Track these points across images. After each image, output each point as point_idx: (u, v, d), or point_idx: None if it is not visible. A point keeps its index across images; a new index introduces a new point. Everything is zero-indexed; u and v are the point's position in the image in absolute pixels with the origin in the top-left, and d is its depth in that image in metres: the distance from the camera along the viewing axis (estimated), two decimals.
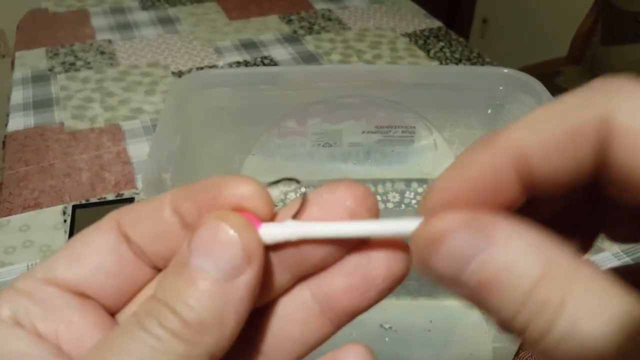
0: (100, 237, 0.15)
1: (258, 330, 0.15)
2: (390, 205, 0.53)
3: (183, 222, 0.15)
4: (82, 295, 0.15)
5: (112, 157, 0.60)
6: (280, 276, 0.15)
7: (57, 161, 0.59)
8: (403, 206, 0.52)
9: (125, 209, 0.16)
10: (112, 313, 0.16)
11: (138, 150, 0.61)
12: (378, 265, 0.15)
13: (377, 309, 0.43)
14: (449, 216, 0.13)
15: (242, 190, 0.15)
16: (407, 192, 0.54)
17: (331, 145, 0.50)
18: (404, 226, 0.14)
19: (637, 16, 1.12)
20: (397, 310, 0.41)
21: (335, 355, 0.15)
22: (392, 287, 0.15)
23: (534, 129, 0.13)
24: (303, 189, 0.15)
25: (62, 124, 0.65)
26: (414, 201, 0.53)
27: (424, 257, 0.13)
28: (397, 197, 0.53)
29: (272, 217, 0.15)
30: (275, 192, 0.15)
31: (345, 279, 0.15)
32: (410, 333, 0.41)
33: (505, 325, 0.12)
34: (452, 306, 0.42)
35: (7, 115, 0.67)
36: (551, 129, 0.13)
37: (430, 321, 0.41)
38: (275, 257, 0.15)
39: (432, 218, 0.13)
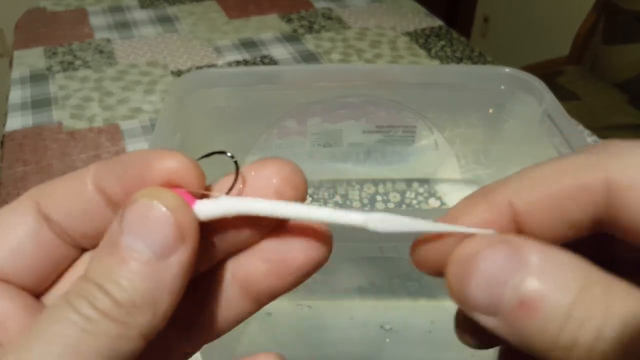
0: (15, 219, 0.15)
1: (180, 309, 0.15)
2: (391, 205, 0.52)
3: (108, 200, 0.15)
4: (2, 279, 0.14)
5: (111, 157, 0.59)
6: (210, 252, 0.15)
7: (55, 161, 0.59)
8: (404, 206, 0.52)
9: (44, 187, 0.15)
10: (37, 296, 0.15)
11: (137, 150, 0.60)
12: (297, 250, 0.15)
13: (377, 310, 0.42)
14: (481, 238, 0.13)
15: (171, 165, 0.14)
16: (408, 192, 0.54)
17: (331, 145, 0.50)
18: (331, 214, 0.14)
19: (638, 15, 1.11)
20: (397, 311, 0.41)
21: None
22: (310, 272, 0.15)
23: (532, 185, 0.14)
24: (236, 164, 0.15)
25: (60, 123, 0.65)
26: (414, 201, 0.53)
27: (459, 282, 0.13)
28: (398, 197, 0.53)
29: (204, 193, 0.15)
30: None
31: (263, 263, 0.15)
32: (411, 334, 0.41)
33: (548, 351, 0.12)
34: (453, 307, 0.42)
35: (6, 114, 0.67)
36: (552, 186, 0.13)
37: (432, 322, 0.40)
38: (205, 234, 0.15)
39: (464, 242, 0.14)
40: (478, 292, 0.13)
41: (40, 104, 0.68)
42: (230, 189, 0.15)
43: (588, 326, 0.11)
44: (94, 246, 0.15)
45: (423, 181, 0.54)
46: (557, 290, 0.12)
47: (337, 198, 0.52)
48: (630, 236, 0.13)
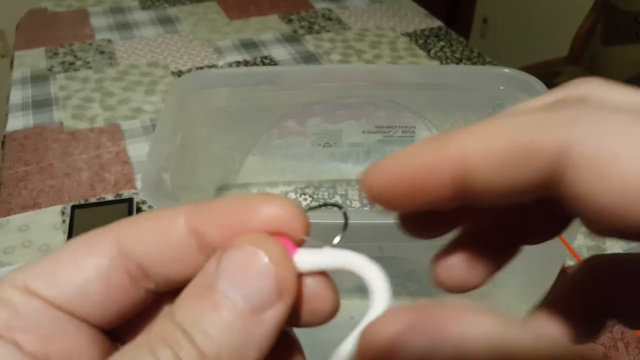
0: (90, 256, 0.14)
1: None
2: None
3: (202, 244, 0.14)
4: (68, 313, 0.14)
5: (112, 157, 0.60)
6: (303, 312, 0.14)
7: (56, 161, 0.59)
8: None
9: (128, 223, 0.14)
10: (110, 331, 0.15)
11: (138, 150, 0.61)
12: None
13: None
14: (394, 320, 0.12)
15: (276, 211, 0.13)
16: None
17: (331, 145, 0.50)
18: None
19: (637, 16, 1.12)
20: None
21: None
22: None
23: (486, 140, 0.13)
24: (345, 215, 0.14)
25: (61, 123, 0.65)
26: None
27: None
28: None
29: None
30: (314, 217, 0.14)
31: None
32: None
33: None
34: None
35: (6, 115, 0.67)
36: (505, 144, 0.12)
37: None
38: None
39: (376, 322, 0.13)
40: None
41: (41, 104, 0.69)
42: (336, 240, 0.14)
43: None
44: (173, 290, 0.14)
45: None
46: None
47: (337, 198, 0.53)
48: (573, 207, 0.12)
